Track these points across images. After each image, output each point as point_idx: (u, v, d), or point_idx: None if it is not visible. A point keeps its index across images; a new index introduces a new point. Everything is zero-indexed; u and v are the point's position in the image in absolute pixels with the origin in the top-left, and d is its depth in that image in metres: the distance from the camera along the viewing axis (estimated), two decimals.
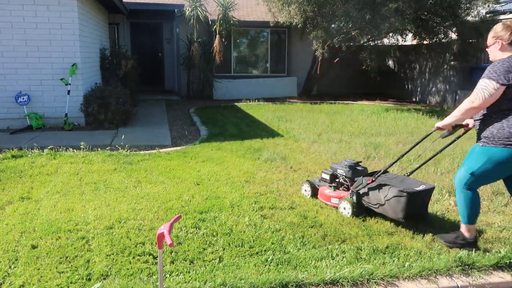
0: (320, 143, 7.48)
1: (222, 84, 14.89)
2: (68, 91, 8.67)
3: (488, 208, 4.48)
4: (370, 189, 4.01)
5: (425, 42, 13.55)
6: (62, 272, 3.09)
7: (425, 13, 12.49)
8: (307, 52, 15.36)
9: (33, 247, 3.45)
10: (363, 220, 4.07)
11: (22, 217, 4.05)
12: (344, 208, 4.20)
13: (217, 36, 14.14)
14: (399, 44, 14.61)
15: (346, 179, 4.40)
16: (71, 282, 2.97)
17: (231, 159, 6.31)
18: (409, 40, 14.18)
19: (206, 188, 4.97)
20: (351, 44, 13.56)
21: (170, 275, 3.08)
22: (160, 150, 6.89)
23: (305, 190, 4.75)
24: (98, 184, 5.06)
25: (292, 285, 2.99)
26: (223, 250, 3.46)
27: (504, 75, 3.12)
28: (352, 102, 14.21)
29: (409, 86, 15.73)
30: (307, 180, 4.79)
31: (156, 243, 3.47)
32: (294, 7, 12.44)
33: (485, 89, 3.25)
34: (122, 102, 9.05)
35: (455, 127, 3.69)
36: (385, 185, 3.91)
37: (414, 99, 15.37)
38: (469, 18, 12.48)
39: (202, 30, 14.66)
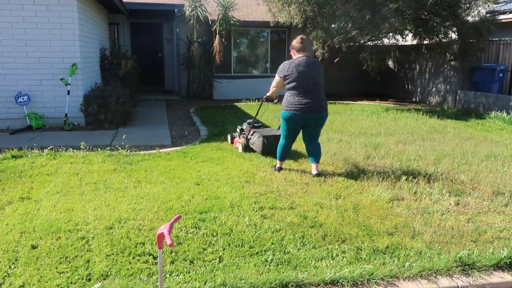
0: (320, 143, 7.45)
1: (222, 84, 14.89)
2: (68, 91, 8.67)
3: (488, 208, 4.48)
4: (250, 135, 6.71)
5: (425, 42, 13.55)
6: (62, 272, 3.09)
7: (425, 13, 12.48)
8: (307, 52, 15.33)
9: (33, 247, 3.45)
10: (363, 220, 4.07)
11: (22, 217, 4.05)
12: (237, 148, 6.93)
13: (217, 36, 14.14)
14: (399, 44, 14.61)
15: (244, 131, 6.91)
16: (71, 282, 2.97)
17: (231, 159, 6.31)
18: (409, 40, 14.18)
19: (206, 188, 4.97)
20: (351, 44, 13.55)
21: (170, 275, 3.08)
22: (160, 150, 6.89)
23: (227, 140, 7.49)
24: (98, 184, 5.06)
25: (292, 285, 2.99)
26: (223, 250, 3.46)
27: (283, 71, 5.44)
28: (352, 102, 14.21)
29: (409, 86, 15.73)
30: (230, 133, 7.44)
31: (156, 243, 3.47)
32: (294, 7, 12.43)
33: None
34: (122, 102, 9.04)
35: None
36: (255, 133, 6.61)
37: (414, 99, 15.37)
38: (469, 18, 12.48)
39: (202, 30, 14.66)
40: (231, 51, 15.70)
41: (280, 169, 5.70)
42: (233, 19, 14.32)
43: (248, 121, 7.07)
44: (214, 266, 3.20)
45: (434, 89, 14.40)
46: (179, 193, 4.74)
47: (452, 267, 3.26)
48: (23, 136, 7.85)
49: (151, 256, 3.33)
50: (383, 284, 3.09)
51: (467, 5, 12.18)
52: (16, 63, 8.48)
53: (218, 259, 3.32)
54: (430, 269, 3.21)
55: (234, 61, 16.01)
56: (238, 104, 13.13)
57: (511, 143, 7.67)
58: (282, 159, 5.69)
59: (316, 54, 13.65)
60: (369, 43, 13.84)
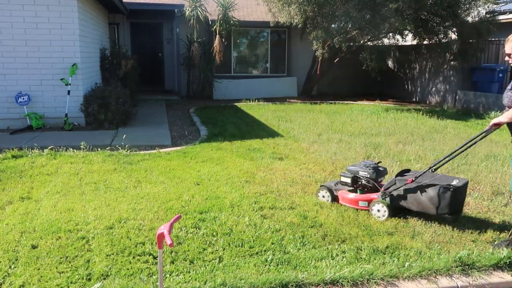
0: (320, 143, 7.48)
1: (222, 84, 14.89)
2: (68, 91, 8.67)
3: (488, 208, 4.48)
4: (407, 189, 4.01)
5: (425, 42, 13.56)
6: (62, 272, 3.09)
7: (425, 13, 12.49)
8: (307, 52, 15.36)
9: (33, 247, 3.45)
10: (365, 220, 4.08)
11: (22, 217, 4.05)
12: (378, 210, 4.14)
13: (217, 36, 14.14)
14: (399, 44, 14.60)
15: (370, 181, 4.39)
16: (71, 282, 2.97)
17: (231, 159, 6.31)
18: (409, 40, 14.18)
19: (206, 188, 4.97)
20: (351, 44, 13.56)
21: (170, 275, 3.08)
22: (160, 150, 6.89)
23: (323, 196, 4.62)
24: (98, 184, 5.07)
25: (292, 285, 2.99)
26: (223, 250, 3.46)
27: None
28: (352, 102, 14.20)
29: (409, 86, 15.73)
30: (322, 186, 4.66)
31: (156, 243, 3.47)
32: (294, 7, 12.43)
33: None
34: (122, 102, 9.05)
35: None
36: (422, 184, 3.93)
37: (414, 99, 15.37)
38: (469, 18, 12.48)
39: (202, 30, 14.66)
40: (231, 51, 15.70)
41: None
42: (233, 19, 14.32)
43: (366, 163, 4.52)
44: (214, 266, 3.21)
45: (434, 89, 14.40)
46: (179, 193, 4.75)
47: (452, 267, 3.26)
48: (23, 136, 7.85)
49: (151, 256, 3.33)
50: (383, 284, 3.09)
51: (467, 5, 12.18)
52: (16, 63, 8.48)
53: (218, 259, 3.32)
54: (430, 269, 3.21)
55: (234, 61, 16.01)
56: (238, 104, 13.13)
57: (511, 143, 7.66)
58: None
59: (316, 54, 13.65)
60: (369, 43, 13.84)
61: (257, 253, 3.43)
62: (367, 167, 4.41)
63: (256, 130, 8.80)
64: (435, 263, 3.28)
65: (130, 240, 3.59)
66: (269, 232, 3.79)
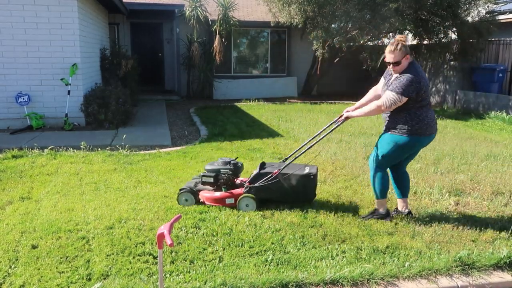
0: (320, 143, 7.46)
1: (222, 84, 14.89)
2: (68, 91, 8.67)
3: (488, 208, 4.48)
4: (270, 181, 4.25)
5: (425, 42, 13.55)
6: (62, 272, 3.09)
7: (425, 13, 12.48)
8: (307, 52, 15.36)
9: (33, 247, 3.45)
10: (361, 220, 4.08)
11: (22, 217, 4.05)
12: (247, 205, 4.27)
13: (217, 36, 14.14)
14: None
15: (231, 177, 4.43)
16: (71, 282, 2.97)
17: None
18: (409, 40, 14.18)
19: None
20: (351, 44, 13.55)
21: (170, 275, 3.08)
22: (160, 150, 6.89)
23: (186, 200, 4.42)
24: (98, 184, 5.07)
25: (292, 285, 2.99)
26: (223, 250, 3.46)
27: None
28: (352, 102, 14.19)
29: None
30: (182, 189, 4.44)
31: (156, 243, 3.47)
32: (294, 7, 12.43)
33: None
34: (122, 102, 9.05)
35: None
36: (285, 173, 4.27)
37: None
38: (468, 18, 12.48)
39: (202, 30, 14.66)
40: (231, 51, 15.70)
41: (391, 213, 4.21)
42: (233, 19, 14.32)
43: (223, 160, 4.53)
44: (214, 266, 3.21)
45: (434, 89, 14.40)
46: None
47: (452, 267, 3.26)
48: (24, 136, 7.85)
49: (151, 256, 3.33)
50: (383, 284, 3.09)
51: (467, 5, 12.17)
52: (16, 63, 8.48)
53: (218, 259, 3.32)
54: (430, 269, 3.21)
55: (234, 61, 16.01)
56: (238, 104, 13.13)
57: (511, 143, 7.67)
58: (385, 195, 4.16)
59: (316, 54, 13.65)
60: (369, 43, 13.83)
61: (257, 253, 3.43)
62: (227, 163, 4.47)
63: (256, 130, 8.80)
64: (435, 263, 3.28)
65: (130, 240, 3.59)
66: (269, 232, 3.79)
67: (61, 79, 8.55)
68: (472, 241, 3.71)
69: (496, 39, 12.43)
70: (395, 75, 3.92)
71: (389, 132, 3.94)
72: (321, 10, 12.37)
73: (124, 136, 7.75)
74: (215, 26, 14.25)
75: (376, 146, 4.07)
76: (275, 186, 4.27)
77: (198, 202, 4.45)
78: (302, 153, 4.42)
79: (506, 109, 11.15)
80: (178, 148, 7.17)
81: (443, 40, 12.78)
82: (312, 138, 4.41)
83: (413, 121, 3.81)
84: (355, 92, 16.43)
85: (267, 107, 12.61)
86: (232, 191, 4.39)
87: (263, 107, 12.50)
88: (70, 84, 8.66)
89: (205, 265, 3.22)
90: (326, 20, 12.46)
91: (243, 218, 4.07)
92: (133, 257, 3.31)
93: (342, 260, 3.33)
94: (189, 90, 15.04)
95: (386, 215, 4.13)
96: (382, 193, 4.11)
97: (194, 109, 11.98)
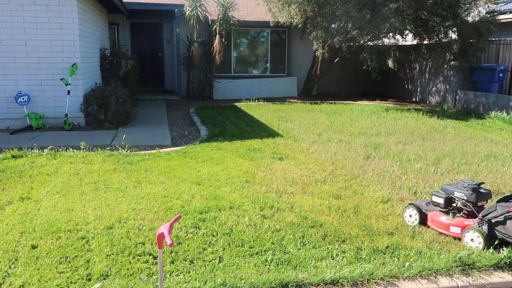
0: (320, 143, 7.48)
1: (222, 84, 14.89)
2: (68, 91, 8.67)
3: None
4: (508, 218, 3.50)
5: (425, 42, 13.55)
6: (62, 272, 3.09)
7: (425, 13, 12.48)
8: (307, 52, 15.36)
9: (33, 247, 3.45)
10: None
11: (22, 217, 4.05)
12: (472, 240, 3.62)
13: (217, 36, 14.14)
14: (399, 44, 14.59)
15: (467, 204, 3.84)
16: (71, 282, 2.97)
17: (231, 159, 6.31)
18: (409, 40, 14.18)
19: (206, 188, 4.97)
20: (351, 44, 13.54)
21: (170, 275, 3.08)
22: (160, 150, 6.89)
23: (410, 216, 4.07)
24: (98, 184, 5.06)
25: (292, 285, 2.99)
26: (223, 250, 3.46)
27: None
28: (352, 102, 14.20)
29: (409, 86, 15.72)
30: (411, 204, 4.10)
31: (156, 243, 3.47)
32: (294, 7, 12.43)
33: None
34: (122, 102, 9.05)
35: None
36: None
37: (414, 99, 15.36)
38: (469, 18, 12.47)
39: (202, 30, 14.66)
40: (231, 51, 15.69)
41: None
42: (233, 19, 14.32)
43: (465, 183, 3.94)
44: (214, 266, 3.20)
45: (434, 89, 14.40)
46: (179, 193, 4.75)
47: (452, 267, 3.26)
48: (23, 136, 7.85)
49: (151, 256, 3.33)
50: (383, 284, 3.09)
51: (467, 5, 12.17)
52: (16, 63, 8.47)
53: (218, 259, 3.32)
54: (430, 269, 3.21)
55: (234, 61, 16.00)
56: (238, 104, 13.12)
57: (511, 143, 7.67)
58: None
59: (316, 54, 13.64)
60: (369, 43, 13.82)
61: (257, 253, 3.42)
62: (465, 187, 3.86)
63: (256, 130, 8.80)
64: (435, 263, 3.28)
65: (130, 240, 3.59)
66: (269, 232, 3.79)
67: (61, 79, 8.54)
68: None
69: (496, 39, 12.43)
70: None
71: None
72: (321, 10, 12.37)
73: (124, 136, 7.75)
74: (215, 26, 14.24)
75: None
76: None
77: (423, 223, 3.98)
78: None
79: (506, 109, 11.14)
80: (178, 148, 7.17)
81: (443, 40, 12.77)
82: None
83: None
84: (355, 92, 16.52)
85: (267, 107, 12.60)
86: (462, 219, 3.78)
87: (263, 107, 12.50)
88: (70, 84, 8.66)
89: (205, 265, 3.22)
90: (326, 20, 12.46)
91: (243, 218, 4.07)
92: (133, 257, 3.30)
93: (342, 260, 3.33)
94: (189, 90, 15.04)
95: None
96: None
97: (194, 109, 11.98)
